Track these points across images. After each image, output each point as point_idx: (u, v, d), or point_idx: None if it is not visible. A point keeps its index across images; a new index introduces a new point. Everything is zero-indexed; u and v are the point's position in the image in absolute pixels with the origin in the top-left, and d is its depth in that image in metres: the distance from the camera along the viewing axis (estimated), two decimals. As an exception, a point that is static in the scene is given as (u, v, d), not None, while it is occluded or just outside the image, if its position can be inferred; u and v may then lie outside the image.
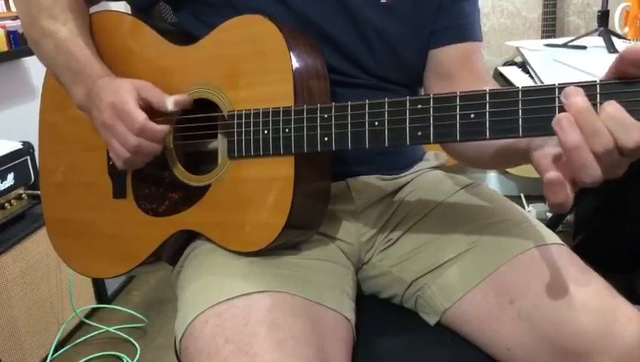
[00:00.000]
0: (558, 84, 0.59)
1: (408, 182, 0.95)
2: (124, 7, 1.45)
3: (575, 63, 1.45)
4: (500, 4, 2.71)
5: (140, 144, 0.79)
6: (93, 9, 0.94)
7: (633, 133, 0.54)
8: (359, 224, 0.90)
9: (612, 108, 0.54)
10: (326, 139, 0.72)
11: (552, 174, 0.57)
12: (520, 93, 0.61)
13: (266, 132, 0.76)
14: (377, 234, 0.91)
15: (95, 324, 1.97)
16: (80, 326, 1.98)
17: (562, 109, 0.58)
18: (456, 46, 0.89)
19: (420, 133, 0.66)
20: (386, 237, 0.91)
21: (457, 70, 0.89)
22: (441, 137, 0.65)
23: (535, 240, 0.81)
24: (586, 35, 1.80)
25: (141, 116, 0.78)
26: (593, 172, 0.56)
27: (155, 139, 0.80)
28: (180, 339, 0.73)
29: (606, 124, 0.54)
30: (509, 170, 2.80)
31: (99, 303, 2.07)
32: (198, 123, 0.83)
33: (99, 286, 2.07)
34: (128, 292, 2.23)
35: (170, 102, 0.80)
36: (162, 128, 0.80)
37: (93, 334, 1.96)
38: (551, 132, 0.58)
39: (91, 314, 2.05)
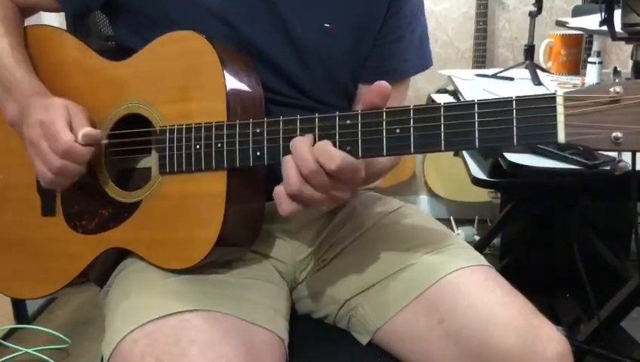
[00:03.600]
0: (478, 100, 0.63)
1: (343, 203, 0.96)
2: (56, 19, 1.41)
3: (503, 93, 1.51)
4: (435, 33, 2.81)
5: (63, 166, 0.77)
6: (28, 21, 0.91)
7: (335, 159, 0.65)
8: (295, 243, 0.91)
9: (322, 142, 0.67)
10: (258, 153, 0.72)
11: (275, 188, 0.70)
12: (442, 108, 0.64)
13: (198, 147, 0.76)
14: (312, 253, 0.92)
15: (13, 346, 1.87)
16: (-4, 348, 1.88)
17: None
18: None
19: (348, 148, 0.68)
20: (320, 257, 0.92)
21: None
22: (368, 152, 0.67)
23: (463, 261, 0.84)
24: (514, 67, 1.88)
25: (67, 137, 0.76)
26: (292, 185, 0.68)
27: (80, 161, 0.78)
28: (108, 359, 0.71)
29: (315, 154, 0.66)
30: (439, 193, 2.89)
31: (18, 323, 1.97)
32: (130, 138, 0.82)
33: (18, 305, 1.96)
34: (51, 311, 2.13)
35: (80, 134, 0.77)
36: (86, 151, 0.78)
37: (10, 356, 1.85)
38: (473, 146, 0.62)
39: (9, 334, 1.94)
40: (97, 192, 0.83)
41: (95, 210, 0.84)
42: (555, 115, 0.60)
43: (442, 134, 0.64)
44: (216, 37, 0.78)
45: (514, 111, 0.61)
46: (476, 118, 0.63)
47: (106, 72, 0.84)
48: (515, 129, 0.61)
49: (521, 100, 0.61)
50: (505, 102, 0.62)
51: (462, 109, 0.63)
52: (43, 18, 0.98)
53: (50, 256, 0.87)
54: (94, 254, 0.83)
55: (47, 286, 0.88)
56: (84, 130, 0.77)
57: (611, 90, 0.59)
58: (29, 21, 0.92)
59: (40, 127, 0.77)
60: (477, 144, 0.63)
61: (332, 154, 0.66)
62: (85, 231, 0.84)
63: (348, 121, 0.68)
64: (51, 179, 0.78)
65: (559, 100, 0.60)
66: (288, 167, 0.68)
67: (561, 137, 0.60)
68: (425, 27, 0.97)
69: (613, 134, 0.59)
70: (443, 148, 0.64)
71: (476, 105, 0.63)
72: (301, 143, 0.68)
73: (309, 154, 0.67)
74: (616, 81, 0.60)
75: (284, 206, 0.69)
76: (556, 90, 0.61)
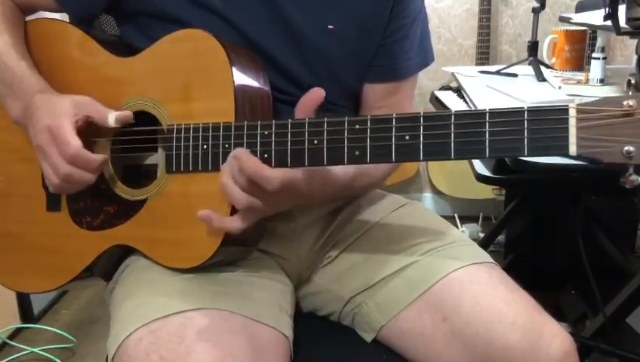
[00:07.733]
0: (489, 110, 0.62)
1: (348, 201, 0.96)
2: (59, 17, 1.40)
3: (506, 90, 1.51)
4: (438, 30, 2.81)
5: (71, 172, 0.77)
6: (29, 17, 0.91)
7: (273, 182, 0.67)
8: (300, 241, 0.91)
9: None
10: (266, 155, 0.72)
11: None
12: (452, 117, 0.63)
13: (205, 147, 0.75)
14: (317, 251, 0.92)
15: (19, 345, 1.87)
16: (2, 348, 1.88)
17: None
18: (383, 84, 0.92)
19: (357, 153, 0.67)
20: (325, 255, 0.92)
21: (378, 102, 0.93)
22: (377, 157, 0.67)
23: (468, 258, 0.83)
24: (517, 63, 1.88)
25: (75, 143, 0.76)
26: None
27: (89, 168, 0.77)
28: (113, 358, 0.71)
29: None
30: (444, 191, 2.88)
31: (24, 323, 1.97)
32: (137, 136, 0.82)
33: (24, 304, 1.97)
34: (56, 311, 2.14)
35: (112, 119, 0.78)
36: (97, 158, 0.78)
37: (16, 356, 1.85)
38: (483, 155, 0.61)
39: (15, 334, 1.94)
40: (103, 189, 0.84)
41: (100, 206, 0.84)
42: (567, 127, 0.59)
43: (452, 143, 0.63)
44: (222, 36, 0.77)
45: (525, 121, 0.60)
46: (487, 128, 0.62)
47: (113, 68, 0.84)
48: (526, 140, 0.61)
49: (533, 111, 0.60)
50: (517, 112, 0.61)
51: (473, 118, 0.63)
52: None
53: (54, 252, 0.87)
54: (99, 251, 0.83)
55: (52, 281, 0.88)
56: (113, 113, 0.78)
57: (624, 103, 0.58)
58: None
59: (48, 132, 0.77)
60: (487, 153, 0.62)
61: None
62: (90, 227, 0.84)
63: (357, 126, 0.67)
64: (58, 184, 0.78)
65: (572, 112, 0.59)
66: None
67: (573, 150, 0.59)
68: (425, 22, 0.97)
69: (625, 148, 0.58)
70: (453, 156, 0.63)
71: (487, 115, 0.62)
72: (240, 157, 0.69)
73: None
74: (630, 94, 0.59)
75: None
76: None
